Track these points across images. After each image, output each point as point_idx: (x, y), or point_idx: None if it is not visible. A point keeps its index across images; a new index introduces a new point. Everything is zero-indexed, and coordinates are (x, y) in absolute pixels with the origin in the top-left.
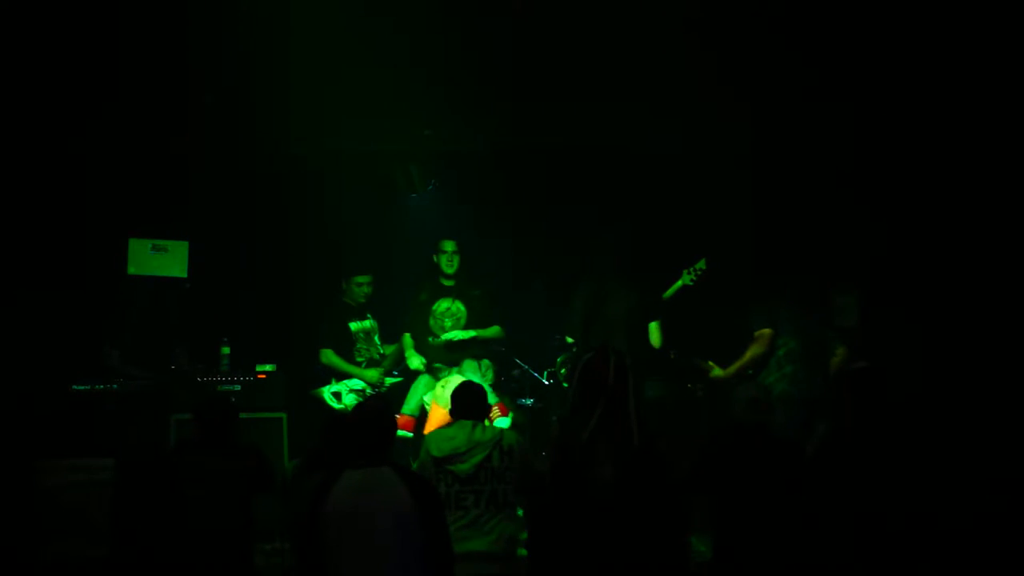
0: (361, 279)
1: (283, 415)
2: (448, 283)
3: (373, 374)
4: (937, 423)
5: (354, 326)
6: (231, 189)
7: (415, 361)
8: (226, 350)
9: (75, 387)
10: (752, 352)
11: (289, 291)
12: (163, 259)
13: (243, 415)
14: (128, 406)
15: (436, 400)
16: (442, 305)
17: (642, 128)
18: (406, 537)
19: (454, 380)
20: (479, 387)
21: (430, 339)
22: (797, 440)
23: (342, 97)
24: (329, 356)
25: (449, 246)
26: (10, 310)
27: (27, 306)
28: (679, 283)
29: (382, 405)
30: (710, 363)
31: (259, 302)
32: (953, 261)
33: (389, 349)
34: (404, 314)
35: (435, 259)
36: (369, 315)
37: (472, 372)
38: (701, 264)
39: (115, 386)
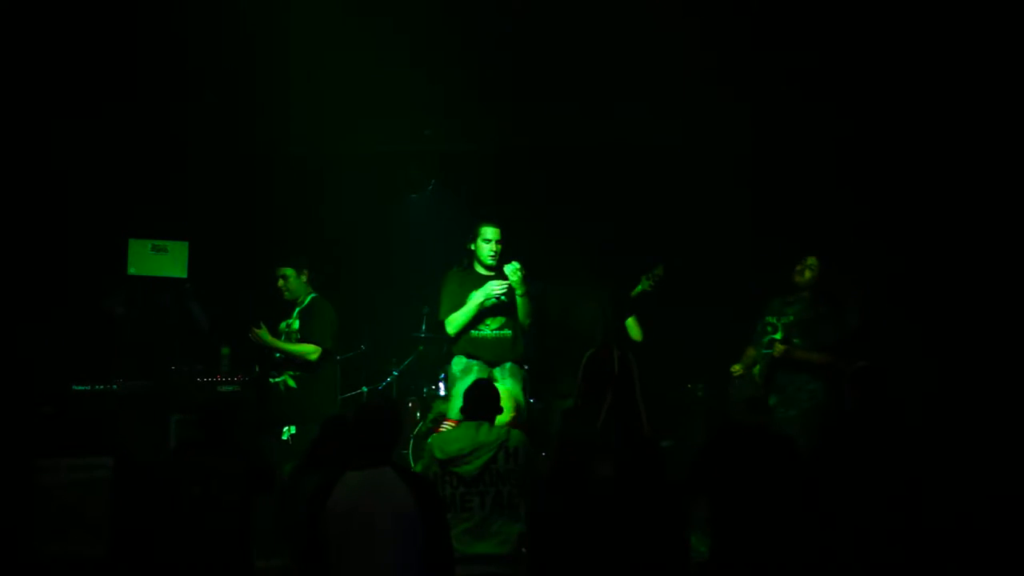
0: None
1: None
2: (487, 273)
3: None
4: (937, 421)
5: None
6: (231, 189)
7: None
8: (226, 350)
9: (75, 387)
10: (823, 359)
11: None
12: (163, 259)
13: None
14: (128, 406)
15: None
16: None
17: (641, 127)
18: (407, 538)
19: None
20: (492, 386)
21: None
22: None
23: (342, 97)
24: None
25: (493, 233)
26: (11, 310)
27: (27, 307)
28: (639, 288)
29: (383, 405)
30: (776, 324)
31: (259, 302)
32: (954, 260)
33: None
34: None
35: (472, 246)
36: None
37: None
38: (659, 270)
39: (115, 387)
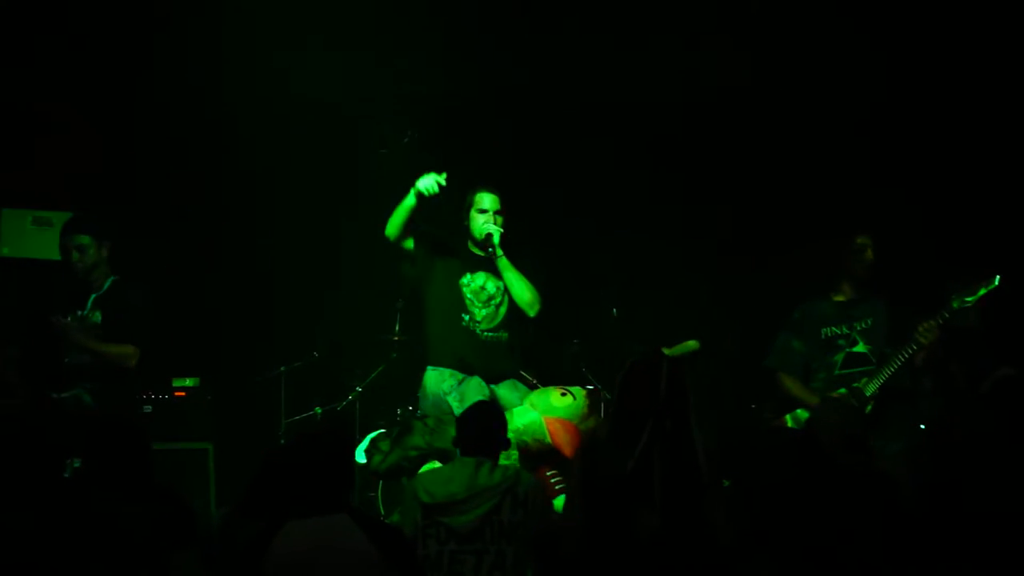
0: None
1: (209, 446)
2: (481, 253)
3: None
4: None
5: None
6: (140, 144)
7: None
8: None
9: None
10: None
11: (214, 279)
12: (47, 236)
13: (155, 446)
14: None
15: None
16: (477, 281)
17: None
18: None
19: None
20: (496, 410)
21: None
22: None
23: (291, 19)
24: None
25: (490, 201)
26: None
27: None
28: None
29: (330, 431)
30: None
31: (177, 295)
32: None
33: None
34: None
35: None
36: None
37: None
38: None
39: None
